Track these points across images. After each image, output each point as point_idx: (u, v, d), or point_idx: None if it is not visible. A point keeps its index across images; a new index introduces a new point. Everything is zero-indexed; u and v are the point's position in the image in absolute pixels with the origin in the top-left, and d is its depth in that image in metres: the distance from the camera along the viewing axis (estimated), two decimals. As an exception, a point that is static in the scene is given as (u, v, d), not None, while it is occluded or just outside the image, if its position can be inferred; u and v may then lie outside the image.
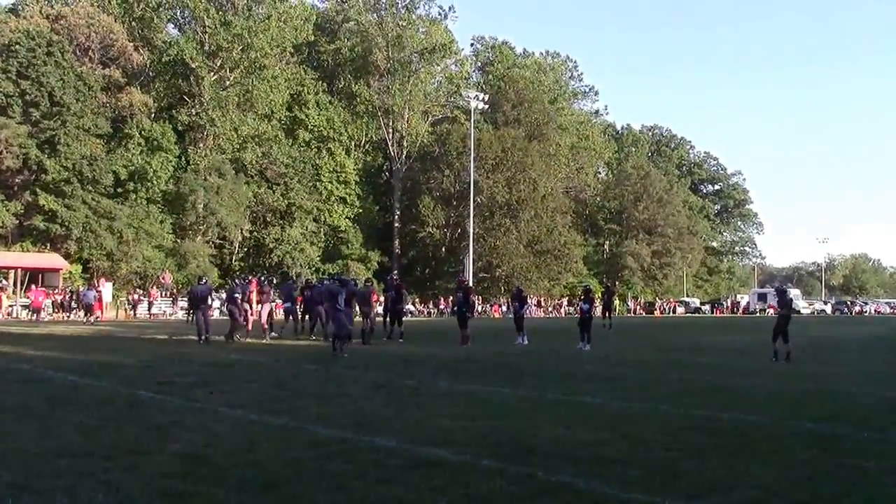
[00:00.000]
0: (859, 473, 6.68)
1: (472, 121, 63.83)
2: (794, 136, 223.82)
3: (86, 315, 38.17)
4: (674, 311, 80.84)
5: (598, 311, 32.31)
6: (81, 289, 43.17)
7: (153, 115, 58.75)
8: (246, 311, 24.42)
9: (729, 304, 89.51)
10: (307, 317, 26.08)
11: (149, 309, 47.79)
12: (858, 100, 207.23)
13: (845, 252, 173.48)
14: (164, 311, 48.72)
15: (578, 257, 77.17)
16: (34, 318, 40.65)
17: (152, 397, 10.77)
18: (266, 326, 24.44)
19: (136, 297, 48.54)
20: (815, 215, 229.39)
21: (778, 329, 17.93)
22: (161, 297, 50.53)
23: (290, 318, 26.48)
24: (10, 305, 43.89)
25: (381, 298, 30.30)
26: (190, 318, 37.56)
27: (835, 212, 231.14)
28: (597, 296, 33.61)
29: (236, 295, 24.30)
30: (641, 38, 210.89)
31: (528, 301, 49.41)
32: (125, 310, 46.76)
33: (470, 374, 14.47)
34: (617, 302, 79.44)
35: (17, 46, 48.94)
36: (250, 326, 24.53)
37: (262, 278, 28.05)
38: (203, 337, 22.02)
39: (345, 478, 6.23)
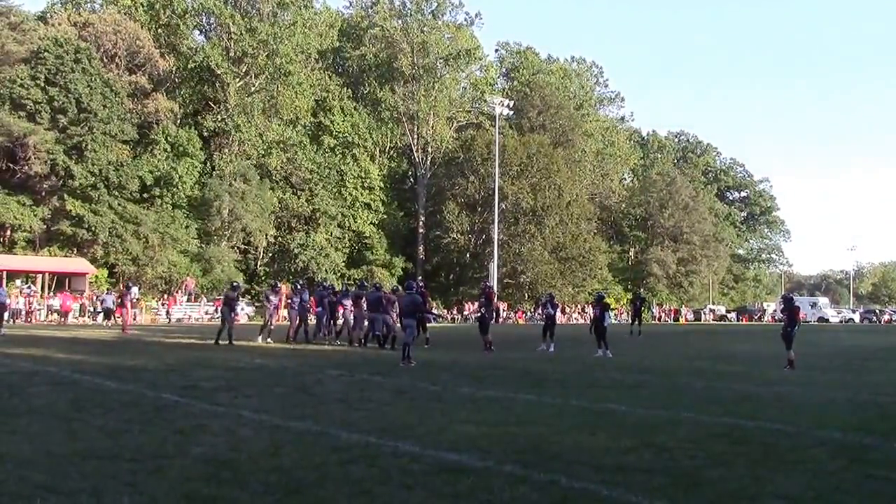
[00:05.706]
0: (888, 485, 6.59)
1: (496, 126, 63.82)
2: (821, 143, 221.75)
3: (105, 319, 38.73)
4: (698, 319, 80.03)
5: (629, 317, 31.90)
6: (106, 293, 43.56)
7: (179, 121, 59.22)
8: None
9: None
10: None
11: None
12: (887, 106, 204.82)
13: (874, 260, 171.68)
14: (189, 316, 49.03)
15: (603, 264, 76.94)
16: (62, 321, 41.36)
17: (177, 401, 10.84)
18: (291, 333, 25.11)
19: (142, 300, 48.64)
20: (843, 223, 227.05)
21: (788, 337, 18.28)
22: (186, 301, 50.95)
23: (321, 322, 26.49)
24: (38, 309, 44.37)
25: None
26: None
27: (863, 219, 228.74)
28: (623, 304, 33.41)
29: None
30: (667, 44, 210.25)
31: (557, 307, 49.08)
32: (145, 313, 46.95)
33: (493, 381, 14.43)
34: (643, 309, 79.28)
35: (46, 53, 49.54)
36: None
37: (298, 284, 28.11)
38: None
39: (368, 483, 6.24)
